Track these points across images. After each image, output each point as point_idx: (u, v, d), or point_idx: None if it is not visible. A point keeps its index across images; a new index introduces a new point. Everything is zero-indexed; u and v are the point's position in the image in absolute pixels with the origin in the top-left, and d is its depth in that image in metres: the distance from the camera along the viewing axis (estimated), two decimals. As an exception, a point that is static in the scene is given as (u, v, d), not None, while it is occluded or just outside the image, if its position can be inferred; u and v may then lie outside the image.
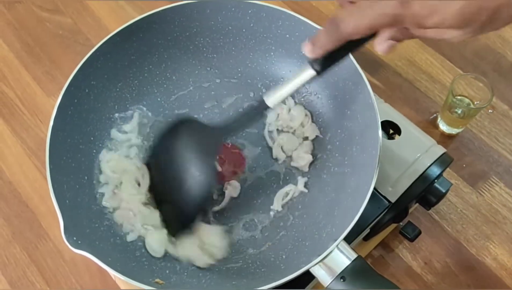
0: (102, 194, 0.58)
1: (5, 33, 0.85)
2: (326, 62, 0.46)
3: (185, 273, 0.55)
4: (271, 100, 0.51)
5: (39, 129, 0.76)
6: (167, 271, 0.55)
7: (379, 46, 0.42)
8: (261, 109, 0.52)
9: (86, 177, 0.58)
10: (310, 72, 0.47)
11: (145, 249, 0.56)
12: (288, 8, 0.62)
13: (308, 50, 0.43)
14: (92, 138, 0.60)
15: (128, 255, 0.55)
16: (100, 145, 0.61)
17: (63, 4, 0.87)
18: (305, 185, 0.61)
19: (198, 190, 0.55)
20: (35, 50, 0.83)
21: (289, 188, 0.61)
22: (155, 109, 0.65)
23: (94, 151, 0.60)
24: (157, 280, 0.50)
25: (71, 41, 0.84)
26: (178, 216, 0.56)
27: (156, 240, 0.56)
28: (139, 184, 0.59)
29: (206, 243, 0.56)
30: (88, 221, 0.55)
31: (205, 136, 0.55)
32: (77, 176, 0.57)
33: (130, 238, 0.56)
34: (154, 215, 0.57)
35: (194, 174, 0.55)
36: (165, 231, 0.56)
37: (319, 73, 0.47)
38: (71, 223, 0.50)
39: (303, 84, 0.49)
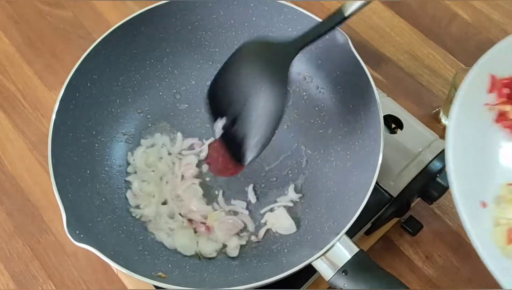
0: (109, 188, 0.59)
1: (6, 27, 0.84)
2: None
3: (188, 267, 0.55)
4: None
5: (40, 123, 0.76)
6: (170, 265, 0.55)
7: None
8: (336, 21, 0.52)
9: (88, 171, 0.58)
10: None
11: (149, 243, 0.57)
12: (290, 1, 0.61)
13: None
14: (94, 132, 0.60)
15: (130, 248, 0.55)
16: (102, 139, 0.61)
17: (64, -2, 0.87)
18: (302, 187, 0.61)
19: (271, 113, 0.51)
20: (36, 44, 0.83)
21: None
22: (157, 104, 0.65)
23: (96, 145, 0.60)
24: (160, 273, 0.50)
25: (73, 35, 0.84)
26: (247, 140, 0.53)
27: (185, 237, 0.58)
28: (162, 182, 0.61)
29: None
30: (90, 215, 0.55)
31: (273, 55, 0.53)
32: (79, 170, 0.57)
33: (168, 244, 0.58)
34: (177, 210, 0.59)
35: (266, 96, 0.52)
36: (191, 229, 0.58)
37: None
38: (73, 216, 0.50)
39: None
